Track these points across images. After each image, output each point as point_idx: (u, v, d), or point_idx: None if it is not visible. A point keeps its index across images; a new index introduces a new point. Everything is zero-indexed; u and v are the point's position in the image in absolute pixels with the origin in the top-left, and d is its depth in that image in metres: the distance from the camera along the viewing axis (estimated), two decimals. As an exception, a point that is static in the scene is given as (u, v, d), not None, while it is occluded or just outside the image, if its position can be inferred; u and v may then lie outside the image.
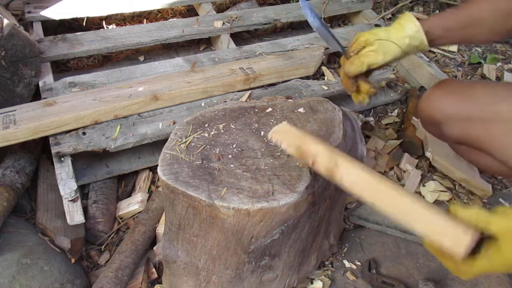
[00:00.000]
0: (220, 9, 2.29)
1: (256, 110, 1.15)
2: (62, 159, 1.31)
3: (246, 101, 1.45)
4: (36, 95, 1.50)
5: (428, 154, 1.60)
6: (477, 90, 1.10)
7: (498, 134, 1.01)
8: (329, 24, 2.24)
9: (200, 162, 0.99)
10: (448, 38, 1.02)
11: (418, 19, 1.00)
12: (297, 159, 0.92)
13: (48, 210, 1.32)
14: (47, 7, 1.84)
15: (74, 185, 1.26)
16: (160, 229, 1.32)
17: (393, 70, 2.03)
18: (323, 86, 1.68)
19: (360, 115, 1.85)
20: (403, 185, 1.61)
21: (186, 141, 1.03)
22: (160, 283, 1.27)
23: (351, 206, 1.50)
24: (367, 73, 1.10)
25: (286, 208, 0.93)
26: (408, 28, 0.99)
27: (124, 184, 1.53)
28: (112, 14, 2.09)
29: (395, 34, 1.00)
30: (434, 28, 1.00)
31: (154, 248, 1.17)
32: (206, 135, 1.06)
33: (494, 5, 0.98)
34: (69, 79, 1.55)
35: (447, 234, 0.66)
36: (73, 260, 1.22)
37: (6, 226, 1.21)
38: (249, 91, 1.59)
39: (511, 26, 1.00)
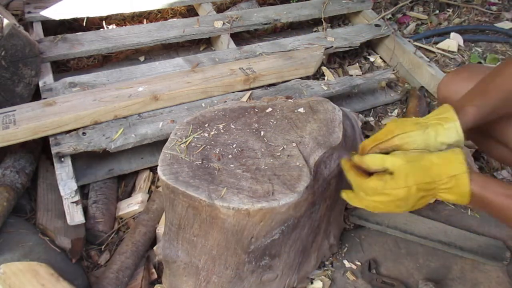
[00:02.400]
0: (220, 9, 2.29)
1: (256, 110, 1.15)
2: (62, 159, 1.31)
3: (246, 101, 1.45)
4: (36, 95, 1.50)
5: (428, 154, 1.60)
6: None
7: None
8: (329, 24, 2.24)
9: (200, 162, 0.99)
10: (481, 123, 0.95)
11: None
12: None
13: (48, 210, 1.32)
14: (47, 7, 1.84)
15: (74, 186, 1.26)
16: (160, 229, 1.32)
17: (393, 70, 2.03)
18: (323, 86, 1.68)
19: (360, 115, 1.85)
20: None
21: (186, 141, 1.03)
22: (160, 283, 1.27)
23: (351, 206, 1.50)
24: None
25: (286, 208, 0.93)
26: (451, 137, 0.90)
27: (124, 184, 1.53)
28: (112, 14, 2.09)
29: (434, 141, 0.89)
30: (469, 125, 0.91)
31: (154, 248, 1.17)
32: (206, 135, 1.06)
33: None
34: (69, 79, 1.55)
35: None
36: (73, 260, 1.22)
37: (6, 226, 1.20)
38: (250, 91, 1.59)
39: None
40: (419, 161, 0.83)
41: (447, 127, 0.90)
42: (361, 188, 0.88)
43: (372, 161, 0.87)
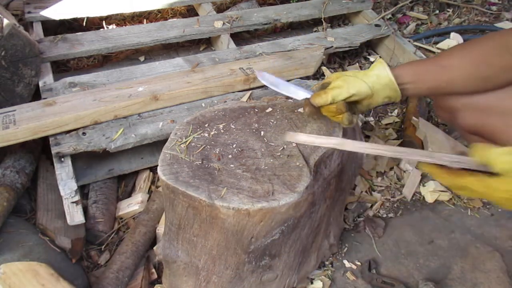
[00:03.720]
0: (220, 9, 2.29)
1: (256, 110, 1.15)
2: (62, 159, 1.31)
3: (246, 101, 1.45)
4: (36, 95, 1.50)
5: (428, 154, 1.60)
6: None
7: None
8: (329, 24, 2.24)
9: (200, 162, 0.99)
10: (418, 84, 1.04)
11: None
12: None
13: (48, 210, 1.32)
14: (47, 7, 1.84)
15: (74, 186, 1.26)
16: (160, 229, 1.32)
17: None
18: (323, 86, 1.68)
19: (360, 115, 1.85)
20: (403, 185, 1.61)
21: (186, 141, 1.03)
22: (160, 283, 1.27)
23: (351, 207, 1.50)
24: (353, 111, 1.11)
25: (286, 208, 0.93)
26: (376, 68, 1.03)
27: (124, 184, 1.53)
28: (112, 14, 2.09)
29: (362, 72, 1.04)
30: (403, 72, 1.03)
31: (154, 248, 1.17)
32: (206, 135, 1.06)
33: (464, 57, 1.00)
34: (69, 79, 1.55)
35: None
36: (73, 260, 1.22)
37: (6, 226, 1.21)
38: (250, 91, 1.59)
39: (485, 77, 1.00)
40: None
41: (373, 65, 1.04)
42: (462, 184, 0.86)
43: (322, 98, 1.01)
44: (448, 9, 2.56)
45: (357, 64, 2.13)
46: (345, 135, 1.11)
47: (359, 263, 1.35)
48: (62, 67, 1.91)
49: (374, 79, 1.02)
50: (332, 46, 1.90)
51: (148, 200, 1.45)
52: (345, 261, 1.35)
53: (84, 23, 1.97)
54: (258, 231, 0.95)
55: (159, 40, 1.82)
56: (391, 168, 1.66)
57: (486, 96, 1.06)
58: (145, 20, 2.23)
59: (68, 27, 2.06)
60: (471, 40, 1.06)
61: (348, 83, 1.02)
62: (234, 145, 1.04)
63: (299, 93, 1.14)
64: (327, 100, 1.02)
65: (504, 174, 0.80)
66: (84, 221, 1.26)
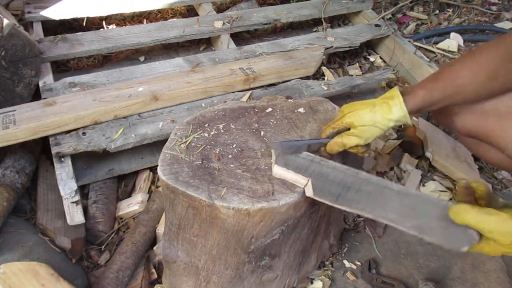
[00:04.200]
0: (220, 9, 2.29)
1: (256, 110, 1.16)
2: (62, 159, 1.31)
3: (246, 101, 1.45)
4: (36, 95, 1.50)
5: (428, 154, 1.60)
6: None
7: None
8: (329, 24, 2.24)
9: (200, 162, 0.99)
10: (434, 107, 1.03)
11: (401, 93, 0.99)
12: None
13: (48, 210, 1.32)
14: (47, 7, 1.84)
15: (74, 186, 1.26)
16: (160, 229, 1.32)
17: (393, 70, 2.03)
18: (323, 86, 1.68)
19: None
20: (403, 185, 1.60)
21: (186, 141, 1.03)
22: (160, 283, 1.27)
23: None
24: None
25: (286, 208, 0.93)
26: (395, 113, 0.98)
27: (124, 184, 1.53)
28: (112, 14, 2.09)
29: (380, 117, 0.99)
30: (418, 105, 0.99)
31: (154, 248, 1.17)
32: (206, 135, 1.06)
33: (475, 70, 0.97)
34: (69, 79, 1.55)
35: None
36: (73, 260, 1.22)
37: (6, 226, 1.20)
38: (250, 91, 1.59)
39: (495, 88, 0.99)
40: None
41: (392, 104, 0.97)
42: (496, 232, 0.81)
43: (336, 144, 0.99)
44: (448, 9, 2.57)
45: (357, 64, 2.13)
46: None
47: (359, 263, 1.35)
48: (62, 67, 1.91)
49: (391, 126, 1.00)
50: (332, 46, 1.90)
51: (148, 200, 1.45)
52: (345, 261, 1.35)
53: (84, 23, 1.97)
54: (258, 231, 0.95)
55: (159, 40, 1.82)
56: (391, 168, 1.66)
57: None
58: (145, 20, 2.23)
59: (68, 27, 2.06)
60: (480, 49, 1.01)
61: (366, 134, 0.99)
62: (234, 145, 1.04)
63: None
64: (341, 149, 1.01)
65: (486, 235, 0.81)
66: (84, 221, 1.26)
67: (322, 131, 1.06)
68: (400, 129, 1.81)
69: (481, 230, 0.81)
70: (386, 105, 0.99)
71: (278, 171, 0.96)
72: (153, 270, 1.29)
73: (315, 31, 2.25)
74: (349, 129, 1.01)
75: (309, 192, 0.93)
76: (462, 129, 1.13)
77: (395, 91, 0.99)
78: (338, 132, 1.01)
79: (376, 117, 0.99)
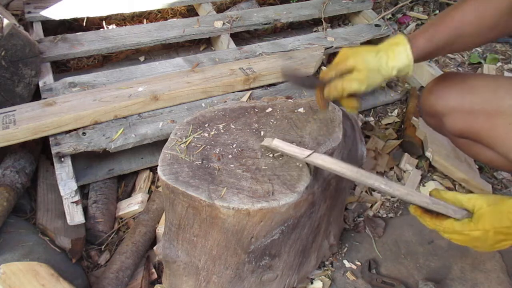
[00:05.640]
0: (220, 9, 2.29)
1: (256, 110, 1.15)
2: (62, 159, 1.31)
3: (246, 101, 1.45)
4: (36, 95, 1.50)
5: (428, 154, 1.60)
6: (479, 83, 1.10)
7: (501, 128, 1.01)
8: (329, 24, 2.24)
9: (200, 162, 0.99)
10: (433, 55, 1.02)
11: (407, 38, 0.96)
12: None
13: (48, 210, 1.32)
14: (47, 7, 1.84)
15: (74, 186, 1.26)
16: (160, 229, 1.32)
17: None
18: (323, 86, 1.68)
19: (360, 115, 1.85)
20: (403, 185, 1.60)
21: (186, 141, 1.03)
22: (160, 283, 1.27)
23: (351, 207, 1.50)
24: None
25: (286, 208, 0.92)
26: (401, 60, 0.95)
27: (124, 184, 1.53)
28: (112, 14, 2.09)
29: (385, 63, 0.95)
30: (422, 51, 0.97)
31: (154, 248, 1.17)
32: (206, 135, 1.06)
33: (480, 19, 0.97)
34: (69, 79, 1.55)
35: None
36: (73, 260, 1.22)
37: (6, 226, 1.21)
38: (250, 91, 1.59)
39: (492, 37, 1.00)
40: (500, 204, 0.83)
41: (397, 51, 0.95)
42: (440, 229, 0.89)
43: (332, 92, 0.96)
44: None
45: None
46: (345, 134, 1.11)
47: (359, 263, 1.35)
48: (62, 67, 1.91)
49: (394, 74, 0.96)
50: (332, 46, 1.90)
51: (148, 200, 1.45)
52: (345, 261, 1.35)
53: (84, 23, 1.97)
54: (258, 231, 0.95)
55: (159, 40, 1.82)
56: (391, 168, 1.66)
57: (471, 99, 1.07)
58: (145, 20, 2.23)
59: (68, 27, 2.06)
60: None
61: (370, 80, 0.94)
62: (234, 145, 1.04)
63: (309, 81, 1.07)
64: (341, 96, 0.97)
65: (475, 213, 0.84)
66: (84, 221, 1.26)
67: (321, 74, 1.00)
68: (400, 129, 1.82)
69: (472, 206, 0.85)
70: (392, 52, 0.95)
71: (278, 143, 0.95)
72: (153, 270, 1.29)
73: (315, 31, 2.25)
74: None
75: (315, 156, 0.90)
76: (452, 129, 1.13)
77: (402, 38, 0.96)
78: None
79: (381, 64, 0.95)
